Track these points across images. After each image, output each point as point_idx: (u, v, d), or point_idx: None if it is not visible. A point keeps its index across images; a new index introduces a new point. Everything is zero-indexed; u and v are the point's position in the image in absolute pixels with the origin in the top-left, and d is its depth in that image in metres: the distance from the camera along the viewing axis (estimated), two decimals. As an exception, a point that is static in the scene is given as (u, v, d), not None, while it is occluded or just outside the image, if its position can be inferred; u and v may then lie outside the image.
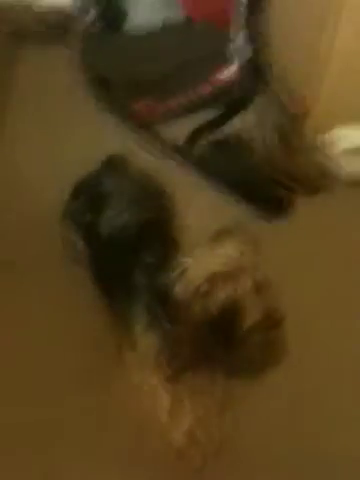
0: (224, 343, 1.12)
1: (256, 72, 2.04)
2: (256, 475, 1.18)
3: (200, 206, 1.77)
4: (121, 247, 1.35)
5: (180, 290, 1.14)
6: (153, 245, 1.32)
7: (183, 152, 1.99)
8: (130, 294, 1.28)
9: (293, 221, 1.79)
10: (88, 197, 1.49)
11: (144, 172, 1.57)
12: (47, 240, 1.59)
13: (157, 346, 1.22)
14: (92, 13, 2.28)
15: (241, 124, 1.98)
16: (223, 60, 2.07)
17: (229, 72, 2.07)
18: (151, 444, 1.19)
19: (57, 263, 1.54)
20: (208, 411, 1.24)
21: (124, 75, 2.12)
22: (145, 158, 1.72)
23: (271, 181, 1.89)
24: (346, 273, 1.62)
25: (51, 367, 1.32)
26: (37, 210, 1.69)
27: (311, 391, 1.33)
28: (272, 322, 1.14)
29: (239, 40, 2.06)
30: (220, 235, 1.19)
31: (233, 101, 2.03)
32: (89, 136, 1.97)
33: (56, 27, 2.26)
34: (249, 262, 1.15)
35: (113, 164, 1.60)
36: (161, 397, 1.23)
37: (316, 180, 1.92)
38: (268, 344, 1.15)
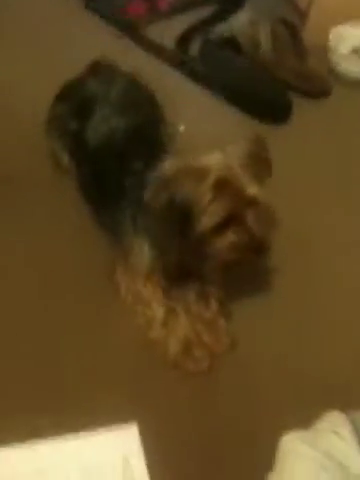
0: (184, 240, 1.11)
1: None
2: (260, 378, 1.17)
3: (192, 112, 1.69)
4: (108, 155, 1.28)
5: (153, 186, 1.11)
6: (141, 151, 1.26)
7: (174, 54, 1.88)
8: (119, 203, 1.23)
9: (295, 124, 1.71)
10: (73, 103, 1.41)
11: (132, 77, 1.48)
12: (34, 151, 1.51)
13: (147, 256, 1.19)
14: None
15: (236, 23, 1.86)
16: None
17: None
18: (148, 356, 1.17)
19: (45, 174, 1.48)
20: (206, 318, 1.22)
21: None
22: (134, 62, 1.62)
23: (273, 82, 1.80)
24: (350, 177, 1.56)
25: (42, 285, 1.28)
26: (22, 118, 1.60)
27: (312, 304, 1.30)
28: (254, 245, 1.11)
29: None
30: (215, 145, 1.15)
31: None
32: (75, 39, 1.86)
33: None
34: (229, 167, 1.09)
35: (100, 68, 1.51)
36: (155, 310, 1.20)
37: (320, 81, 1.84)
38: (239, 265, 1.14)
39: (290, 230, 1.26)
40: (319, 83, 1.83)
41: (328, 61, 1.90)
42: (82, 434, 1.05)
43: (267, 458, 0.98)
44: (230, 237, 1.10)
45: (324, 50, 1.91)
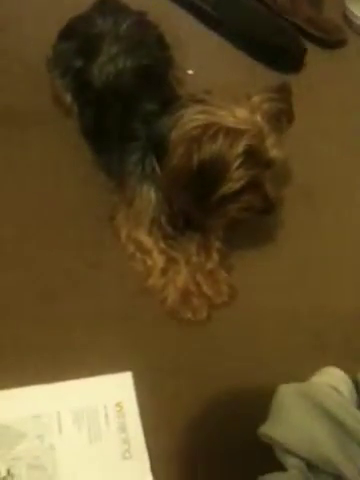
0: (201, 200, 1.08)
1: None
2: (259, 330, 1.16)
3: (201, 56, 1.64)
4: (115, 96, 1.23)
5: (174, 135, 1.06)
6: (152, 93, 1.21)
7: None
8: (125, 145, 1.19)
9: (307, 73, 1.66)
10: (79, 40, 1.35)
11: (141, 15, 1.43)
12: (36, 89, 1.47)
13: (153, 202, 1.17)
14: None
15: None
16: None
17: None
18: (145, 305, 1.16)
19: (47, 113, 1.43)
20: (207, 269, 1.20)
21: None
22: (143, 1, 1.55)
23: (287, 29, 1.74)
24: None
25: (39, 226, 1.26)
26: (26, 56, 1.55)
27: (314, 258, 1.28)
28: (266, 206, 1.11)
29: None
30: (246, 93, 1.10)
31: None
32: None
33: None
34: (259, 127, 1.05)
35: (107, 5, 1.44)
36: (155, 258, 1.19)
37: (336, 31, 1.78)
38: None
39: (296, 182, 1.23)
40: (335, 33, 1.77)
41: (345, 9, 1.84)
42: (76, 380, 1.04)
43: (263, 409, 0.98)
44: (245, 199, 1.09)
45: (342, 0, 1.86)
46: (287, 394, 0.93)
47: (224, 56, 1.71)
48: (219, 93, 1.10)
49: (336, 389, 0.94)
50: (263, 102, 1.08)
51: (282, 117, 1.11)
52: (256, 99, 1.08)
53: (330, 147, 1.44)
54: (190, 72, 1.57)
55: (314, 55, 1.70)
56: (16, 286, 1.17)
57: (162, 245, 1.20)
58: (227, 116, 1.04)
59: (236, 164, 1.03)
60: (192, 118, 1.05)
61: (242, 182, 1.05)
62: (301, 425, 0.89)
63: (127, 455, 0.98)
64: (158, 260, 1.19)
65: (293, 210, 1.30)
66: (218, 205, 1.08)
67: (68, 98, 1.38)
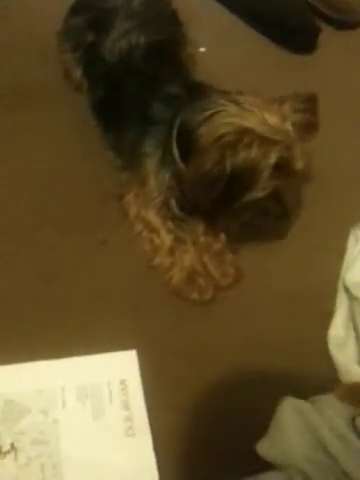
0: (223, 203, 1.08)
1: None
2: (264, 313, 1.16)
3: (213, 33, 1.62)
4: (129, 73, 1.22)
5: (204, 132, 1.04)
6: (171, 73, 1.20)
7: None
8: (145, 126, 1.17)
9: (320, 54, 1.63)
10: (90, 14, 1.33)
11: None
12: (46, 64, 1.46)
13: (167, 184, 1.16)
14: None
15: None
16: None
17: None
18: (152, 284, 1.16)
19: (57, 88, 1.42)
20: (214, 250, 1.20)
21: None
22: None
23: (301, 8, 1.71)
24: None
25: (47, 204, 1.26)
26: (36, 29, 1.53)
27: (321, 244, 1.27)
28: (282, 214, 1.13)
29: None
30: (277, 98, 1.08)
31: None
32: None
33: None
34: (290, 138, 1.04)
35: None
36: (163, 237, 1.19)
37: (351, 12, 1.74)
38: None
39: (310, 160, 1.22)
40: (350, 14, 1.74)
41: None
42: (81, 356, 1.05)
43: (266, 391, 1.00)
44: (263, 205, 1.09)
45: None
46: (285, 411, 0.93)
47: (236, 34, 1.69)
48: (250, 96, 1.08)
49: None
50: (293, 111, 1.06)
51: (308, 128, 1.09)
52: (287, 107, 1.06)
53: (342, 129, 1.42)
54: (202, 49, 1.55)
55: (328, 36, 1.66)
56: (21, 264, 1.17)
57: (170, 225, 1.20)
58: (260, 123, 1.03)
59: (267, 174, 1.03)
60: (226, 121, 1.03)
61: (268, 191, 1.06)
62: (292, 448, 0.89)
63: (130, 432, 0.99)
64: (165, 239, 1.19)
65: (304, 194, 1.29)
66: (237, 209, 1.08)
67: (78, 73, 1.37)
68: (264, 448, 0.91)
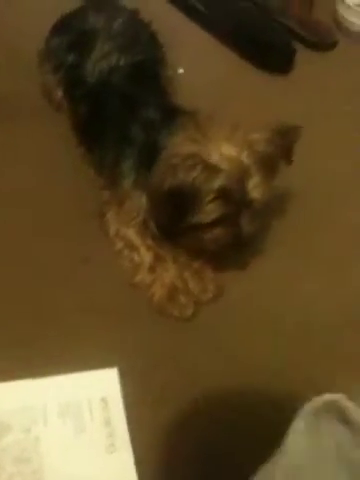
0: (171, 225, 1.11)
1: None
2: (245, 329, 1.17)
3: (192, 54, 1.64)
4: (110, 95, 1.24)
5: (163, 154, 1.08)
6: (151, 97, 1.23)
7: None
8: (122, 148, 1.19)
9: (296, 75, 1.67)
10: (71, 36, 1.36)
11: (133, 13, 1.44)
12: (27, 84, 1.46)
13: (144, 207, 1.17)
14: None
15: None
16: None
17: None
18: (132, 301, 1.17)
19: (38, 108, 1.43)
20: (194, 267, 1.22)
21: None
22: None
23: (277, 29, 1.75)
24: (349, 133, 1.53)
25: (28, 220, 1.26)
26: (18, 50, 1.54)
27: (303, 259, 1.29)
28: (238, 243, 1.13)
29: None
30: (238, 127, 1.09)
31: None
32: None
33: None
34: (242, 169, 1.06)
35: (100, 2, 1.46)
36: (143, 255, 1.20)
37: (326, 32, 1.79)
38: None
39: (287, 182, 1.24)
40: (325, 35, 1.78)
41: (335, 13, 1.84)
42: (62, 375, 1.05)
43: (250, 403, 1.01)
44: (216, 233, 1.11)
45: (332, 1, 1.86)
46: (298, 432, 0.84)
47: (214, 55, 1.72)
48: (219, 122, 1.10)
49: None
50: (259, 141, 1.08)
51: (277, 161, 1.11)
52: (253, 137, 1.08)
53: (318, 150, 1.45)
54: (181, 71, 1.57)
55: (304, 57, 1.70)
56: (3, 279, 1.17)
57: (150, 243, 1.20)
58: (213, 151, 1.05)
59: (207, 199, 1.05)
60: (180, 143, 1.07)
61: (213, 216, 1.07)
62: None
63: (111, 449, 0.99)
64: (146, 257, 1.19)
65: (288, 208, 1.31)
66: (188, 231, 1.11)
67: (59, 93, 1.38)
68: None
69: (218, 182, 1.04)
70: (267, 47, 1.69)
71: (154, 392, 1.05)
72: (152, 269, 1.19)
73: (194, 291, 1.19)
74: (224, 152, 1.06)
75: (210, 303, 1.19)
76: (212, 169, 1.04)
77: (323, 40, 1.77)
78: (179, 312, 1.16)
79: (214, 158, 1.05)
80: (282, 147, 1.11)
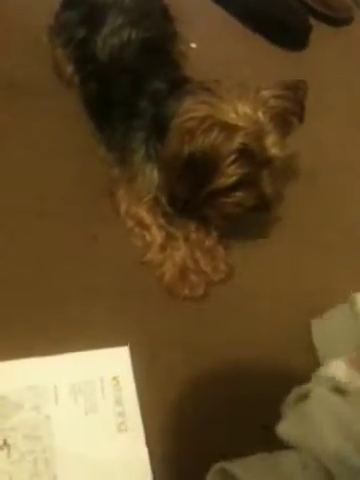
0: (194, 192, 1.08)
1: None
2: (255, 309, 1.16)
3: (205, 29, 1.62)
4: (120, 69, 1.22)
5: (176, 121, 1.04)
6: (158, 70, 1.19)
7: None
8: (130, 122, 1.17)
9: (311, 51, 1.65)
10: (82, 10, 1.33)
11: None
12: (39, 59, 1.44)
13: (155, 182, 1.16)
14: None
15: None
16: None
17: None
18: (143, 280, 1.16)
19: (48, 84, 1.42)
20: (206, 246, 1.20)
21: None
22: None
23: (293, 4, 1.72)
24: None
25: (39, 199, 1.25)
26: (27, 25, 1.52)
27: (312, 241, 1.28)
28: (262, 205, 1.10)
29: None
30: (255, 87, 1.06)
31: None
32: None
33: None
34: (260, 126, 1.03)
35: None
36: (155, 234, 1.18)
37: (342, 8, 1.76)
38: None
39: (300, 160, 1.22)
40: (341, 10, 1.76)
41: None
42: (74, 353, 1.05)
43: (257, 383, 1.01)
44: (238, 195, 1.08)
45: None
46: (314, 404, 0.90)
47: (228, 30, 1.70)
48: (228, 83, 1.07)
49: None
50: (271, 98, 1.05)
51: (290, 116, 1.08)
52: (264, 94, 1.05)
53: (334, 126, 1.43)
54: (193, 45, 1.55)
55: (320, 32, 1.68)
56: (13, 258, 1.16)
57: (161, 221, 1.19)
58: (228, 110, 1.02)
59: (229, 161, 1.02)
60: (192, 108, 1.03)
61: (235, 178, 1.04)
62: (322, 444, 0.85)
63: (122, 428, 0.99)
64: (157, 236, 1.18)
65: (295, 190, 1.30)
66: (211, 198, 1.08)
67: (69, 69, 1.36)
68: (284, 430, 0.90)
69: (238, 141, 1.01)
70: (283, 24, 1.67)
71: (164, 371, 1.05)
72: (163, 248, 1.17)
73: (206, 270, 1.18)
74: (239, 111, 1.02)
75: (221, 283, 1.18)
76: (231, 128, 1.01)
77: (339, 15, 1.74)
78: (190, 291, 1.15)
79: (231, 117, 1.02)
80: (294, 102, 1.08)
